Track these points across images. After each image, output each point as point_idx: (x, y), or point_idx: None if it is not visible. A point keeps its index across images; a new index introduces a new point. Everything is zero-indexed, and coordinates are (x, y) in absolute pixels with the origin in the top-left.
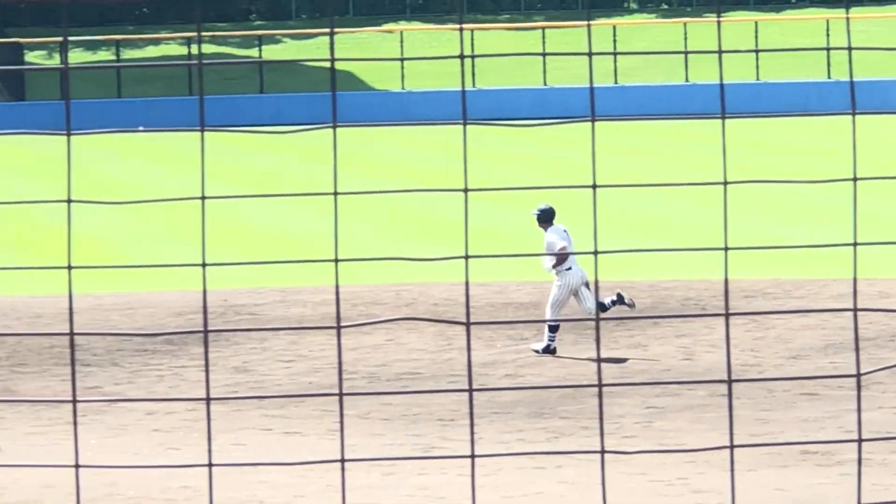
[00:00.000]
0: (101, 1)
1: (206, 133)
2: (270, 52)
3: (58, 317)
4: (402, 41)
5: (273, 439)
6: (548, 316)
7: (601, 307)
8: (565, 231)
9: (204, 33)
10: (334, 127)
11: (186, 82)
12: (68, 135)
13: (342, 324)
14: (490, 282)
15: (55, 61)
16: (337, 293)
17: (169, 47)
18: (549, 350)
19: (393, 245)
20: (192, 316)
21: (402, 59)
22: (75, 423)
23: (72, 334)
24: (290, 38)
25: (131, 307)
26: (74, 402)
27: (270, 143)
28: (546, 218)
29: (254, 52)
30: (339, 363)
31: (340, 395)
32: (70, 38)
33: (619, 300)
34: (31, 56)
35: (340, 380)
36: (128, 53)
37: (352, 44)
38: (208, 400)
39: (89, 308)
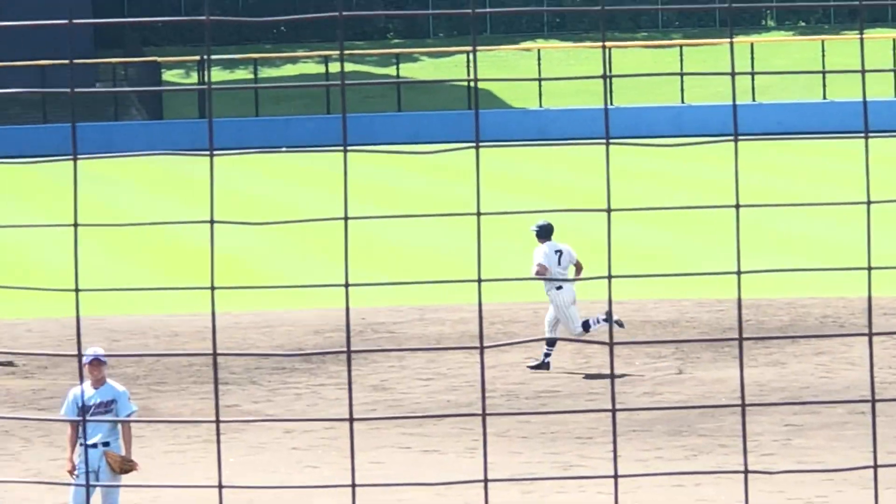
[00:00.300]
0: (241, 22)
1: (334, 151)
2: (408, 71)
3: (195, 335)
4: (539, 59)
5: (412, 457)
6: (546, 334)
7: (585, 326)
8: (557, 251)
9: (334, 52)
10: (476, 147)
11: (324, 101)
12: (211, 155)
13: (484, 343)
14: (627, 300)
15: (192, 80)
16: (480, 313)
17: (306, 66)
18: (542, 366)
19: (529, 263)
20: (330, 334)
21: (545, 79)
22: (218, 443)
23: (215, 354)
24: (427, 56)
25: (269, 325)
26: (217, 422)
27: (407, 161)
28: (544, 234)
29: (391, 71)
30: (483, 383)
31: (483, 415)
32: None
33: (608, 319)
34: (168, 75)
35: (483, 400)
36: (265, 72)
37: (489, 62)
38: (351, 420)
39: (227, 326)
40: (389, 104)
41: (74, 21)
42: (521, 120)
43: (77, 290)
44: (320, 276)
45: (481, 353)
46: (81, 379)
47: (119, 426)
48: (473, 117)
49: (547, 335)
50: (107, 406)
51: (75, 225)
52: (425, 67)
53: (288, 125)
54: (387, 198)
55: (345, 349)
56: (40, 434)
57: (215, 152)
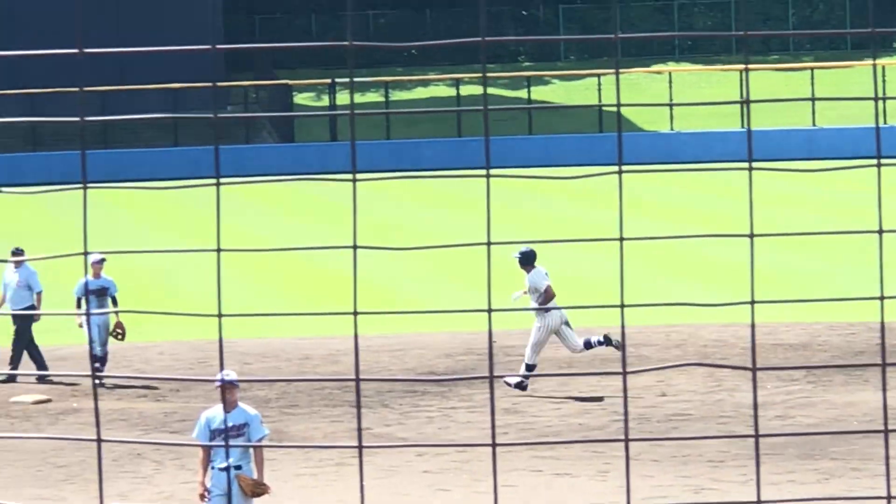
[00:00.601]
0: (384, 47)
1: (476, 177)
2: (538, 93)
3: (326, 358)
4: (670, 82)
5: (544, 480)
6: (528, 357)
7: (587, 345)
8: (546, 274)
9: (473, 75)
10: (619, 172)
11: (454, 124)
12: (354, 180)
13: (627, 369)
14: (759, 323)
15: (323, 102)
16: (623, 338)
17: (437, 88)
18: (520, 386)
19: (663, 287)
20: (461, 357)
21: (686, 105)
22: (361, 469)
23: (357, 380)
24: (558, 78)
25: (401, 348)
26: (360, 447)
27: (541, 185)
28: (527, 261)
29: (522, 93)
30: (626, 409)
31: (626, 440)
32: (338, 80)
33: (607, 342)
34: (299, 98)
35: (626, 425)
36: (396, 95)
37: (620, 85)
38: (494, 445)
39: (359, 349)
40: (521, 127)
41: (217, 46)
42: (652, 143)
43: (220, 315)
44: (449, 299)
45: (624, 379)
46: (224, 403)
47: (251, 450)
48: (604, 140)
49: (530, 359)
50: (239, 429)
51: (218, 250)
52: (556, 90)
53: (419, 148)
54: (518, 220)
55: (485, 375)
56: (172, 457)
57: (358, 178)
